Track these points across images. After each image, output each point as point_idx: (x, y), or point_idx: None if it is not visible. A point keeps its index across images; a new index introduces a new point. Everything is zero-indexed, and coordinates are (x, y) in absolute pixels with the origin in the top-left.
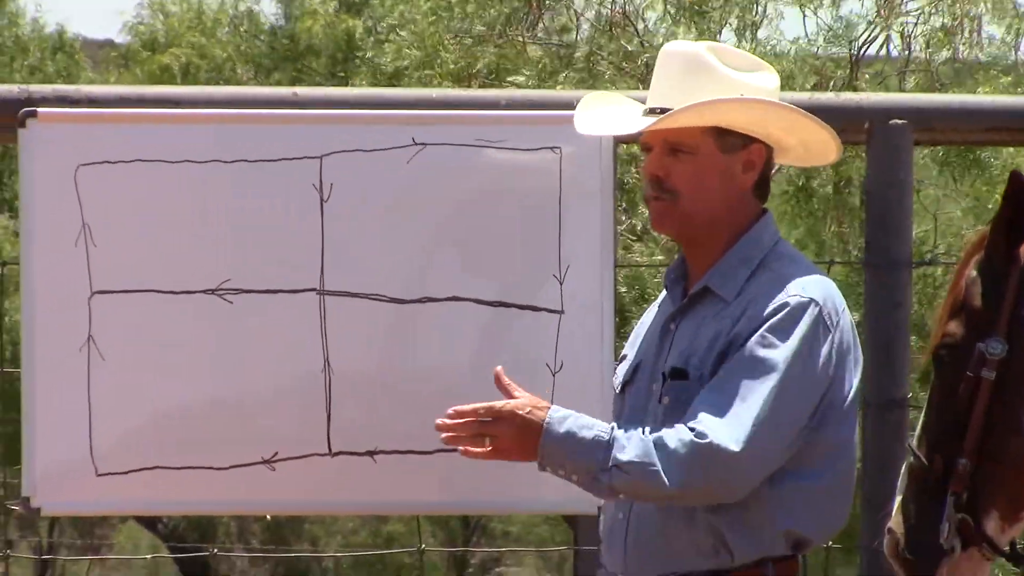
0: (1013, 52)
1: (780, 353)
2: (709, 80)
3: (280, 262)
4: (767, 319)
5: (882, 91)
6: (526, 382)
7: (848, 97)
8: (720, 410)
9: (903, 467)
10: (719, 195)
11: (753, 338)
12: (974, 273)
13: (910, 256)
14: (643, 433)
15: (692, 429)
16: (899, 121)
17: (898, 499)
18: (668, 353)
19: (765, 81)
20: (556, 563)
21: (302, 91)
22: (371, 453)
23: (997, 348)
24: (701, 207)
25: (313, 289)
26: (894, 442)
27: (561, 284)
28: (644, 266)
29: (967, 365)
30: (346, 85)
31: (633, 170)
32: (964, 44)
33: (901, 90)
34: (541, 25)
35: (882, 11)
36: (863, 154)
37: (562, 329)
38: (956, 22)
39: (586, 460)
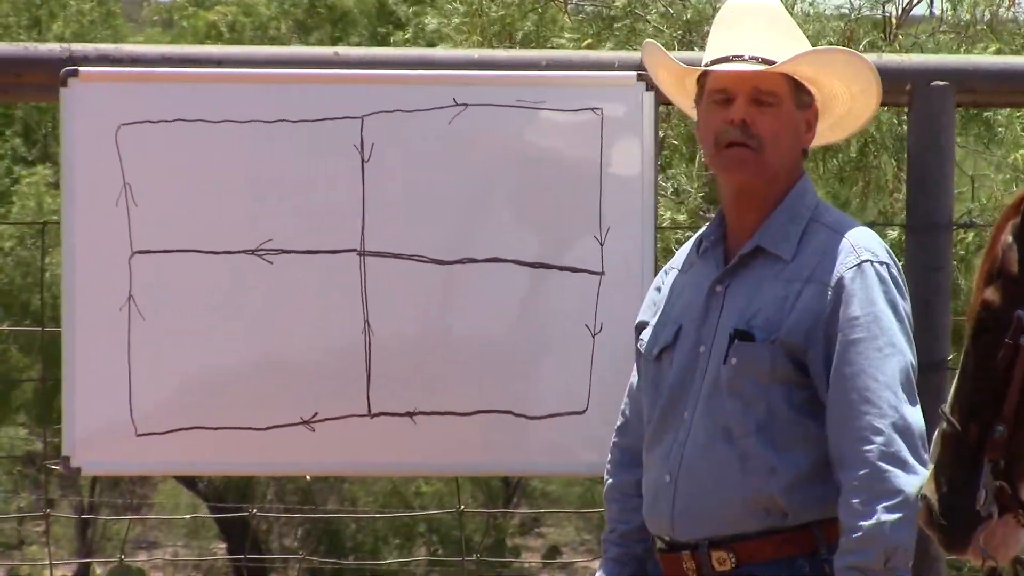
0: None
1: (890, 328)
2: (790, 34)
3: (321, 222)
4: (848, 286)
5: (920, 52)
6: (566, 343)
7: (890, 58)
8: (884, 430)
9: (935, 434)
10: (790, 150)
11: (861, 320)
12: (1010, 239)
13: (951, 219)
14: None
15: (883, 488)
16: (941, 83)
17: (931, 467)
18: (721, 315)
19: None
20: (596, 523)
21: (343, 51)
22: (410, 414)
23: None
24: (777, 159)
25: (354, 250)
26: (935, 405)
27: (602, 245)
28: (679, 228)
29: (1005, 332)
30: (387, 45)
31: (672, 131)
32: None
33: (941, 50)
34: None
35: None
36: (888, 115)
37: (602, 290)
38: None
39: None
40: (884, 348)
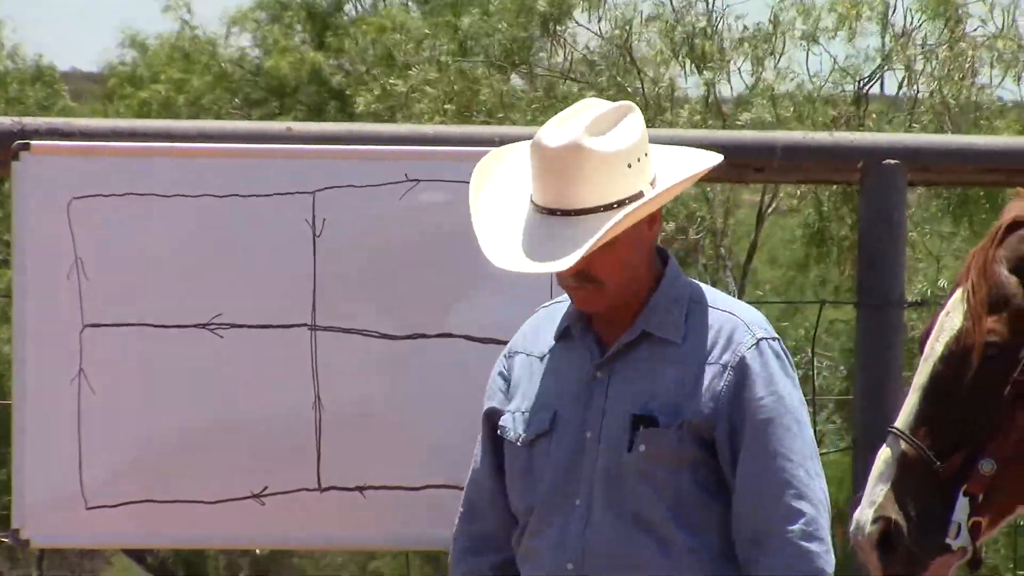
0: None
1: (794, 405)
2: (604, 170)
3: (272, 297)
4: (750, 366)
5: (884, 130)
6: None
7: (841, 136)
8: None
9: (884, 453)
10: (638, 262)
11: (765, 400)
12: (1005, 271)
13: (902, 296)
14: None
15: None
16: (892, 161)
17: (883, 487)
18: (607, 401)
19: (635, 130)
20: None
21: (296, 126)
22: (360, 488)
23: None
24: (626, 282)
25: (305, 324)
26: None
27: None
28: None
29: (1010, 365)
30: (323, 119)
31: None
32: (966, 88)
33: (909, 129)
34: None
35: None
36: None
37: None
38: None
39: None
40: (791, 426)
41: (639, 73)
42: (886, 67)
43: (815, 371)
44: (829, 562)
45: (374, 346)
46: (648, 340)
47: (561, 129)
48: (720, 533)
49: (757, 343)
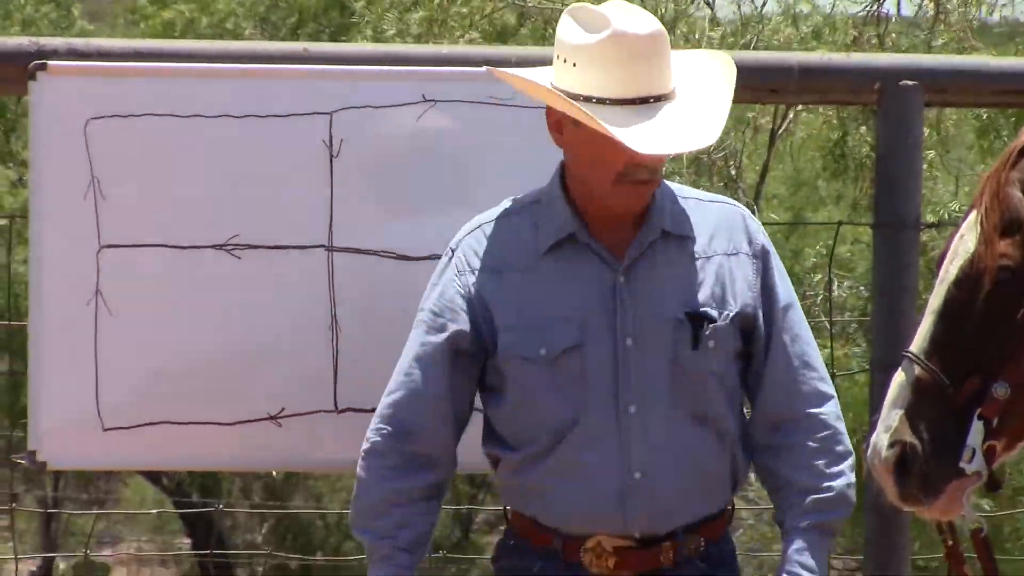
0: None
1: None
2: (671, 56)
3: (289, 218)
4: (763, 245)
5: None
6: None
7: (859, 58)
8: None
9: (899, 378)
10: None
11: (783, 286)
12: (1019, 193)
13: (919, 218)
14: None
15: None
16: (910, 82)
17: (898, 412)
18: (637, 305)
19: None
20: None
21: (313, 47)
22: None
23: None
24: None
25: (322, 245)
26: None
27: None
28: None
29: (1022, 291)
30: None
31: None
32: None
33: (929, 50)
34: None
35: None
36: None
37: None
38: None
39: None
40: (800, 310)
41: None
42: None
43: (831, 292)
44: (849, 444)
45: (391, 267)
46: (665, 239)
47: (635, 19)
48: (743, 419)
49: (762, 230)
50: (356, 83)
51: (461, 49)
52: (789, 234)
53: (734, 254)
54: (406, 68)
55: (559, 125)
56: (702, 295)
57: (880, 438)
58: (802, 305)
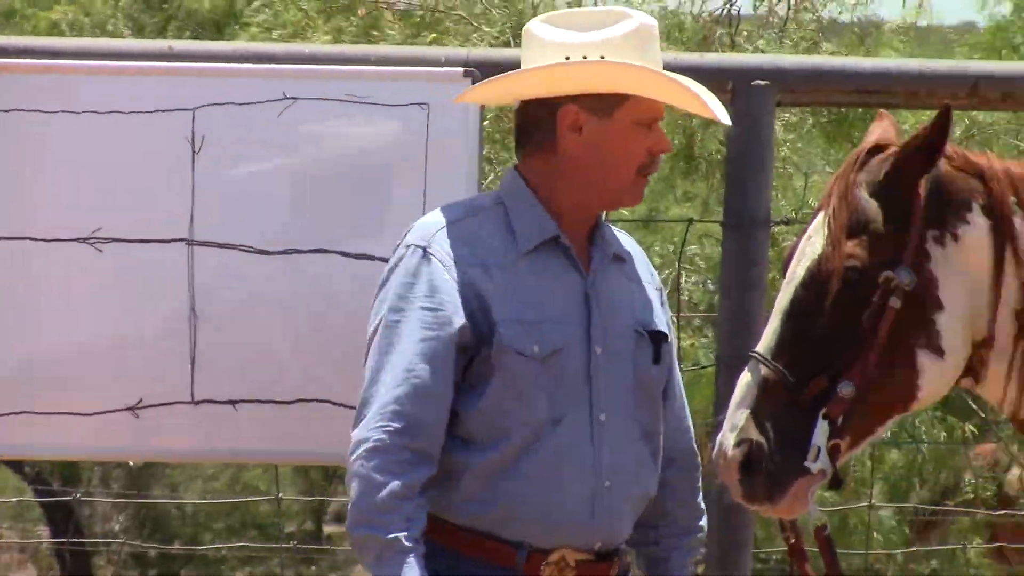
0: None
1: None
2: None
3: (151, 212)
4: (662, 291)
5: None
6: None
7: (711, 57)
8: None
9: (745, 378)
10: None
11: (670, 321)
12: (865, 195)
13: (768, 216)
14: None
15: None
16: (761, 82)
17: (744, 411)
18: (601, 316)
19: None
20: None
21: (177, 44)
22: (233, 402)
23: (906, 278)
24: None
25: (182, 239)
26: None
27: None
28: None
29: (870, 290)
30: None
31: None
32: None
33: (780, 50)
34: None
35: None
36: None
37: None
38: None
39: None
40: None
41: None
42: None
43: (680, 288)
44: None
45: (250, 261)
46: (615, 257)
47: (631, 13)
48: None
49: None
50: (218, 80)
51: (322, 48)
52: (640, 229)
53: (650, 283)
54: (268, 66)
55: (576, 124)
56: (644, 316)
57: (726, 437)
58: None
